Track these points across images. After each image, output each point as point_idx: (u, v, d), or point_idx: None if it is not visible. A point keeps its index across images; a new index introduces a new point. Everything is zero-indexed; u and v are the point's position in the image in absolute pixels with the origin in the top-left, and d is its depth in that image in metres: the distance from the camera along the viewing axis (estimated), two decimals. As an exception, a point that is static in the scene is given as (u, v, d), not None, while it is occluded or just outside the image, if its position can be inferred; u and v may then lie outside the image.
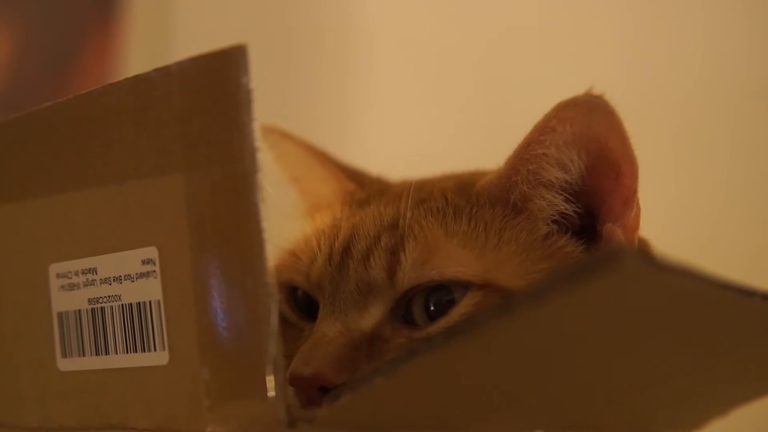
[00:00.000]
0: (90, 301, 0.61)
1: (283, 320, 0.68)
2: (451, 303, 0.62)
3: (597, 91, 0.60)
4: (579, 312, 0.48)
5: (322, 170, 0.75)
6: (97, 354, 0.61)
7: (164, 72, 0.57)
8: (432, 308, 0.62)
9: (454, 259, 0.62)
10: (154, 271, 0.58)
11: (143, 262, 0.58)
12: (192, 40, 1.53)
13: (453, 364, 0.51)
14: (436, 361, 0.49)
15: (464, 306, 0.62)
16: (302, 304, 0.69)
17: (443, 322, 0.62)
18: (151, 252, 0.58)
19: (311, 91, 1.52)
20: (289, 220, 0.77)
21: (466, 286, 0.62)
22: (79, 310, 0.61)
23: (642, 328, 0.52)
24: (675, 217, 1.16)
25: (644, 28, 1.32)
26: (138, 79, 0.58)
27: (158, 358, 0.58)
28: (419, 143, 1.39)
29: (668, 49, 1.31)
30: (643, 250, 0.46)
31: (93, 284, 0.61)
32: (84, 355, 0.61)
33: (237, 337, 0.55)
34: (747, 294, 0.51)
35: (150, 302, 0.58)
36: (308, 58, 1.52)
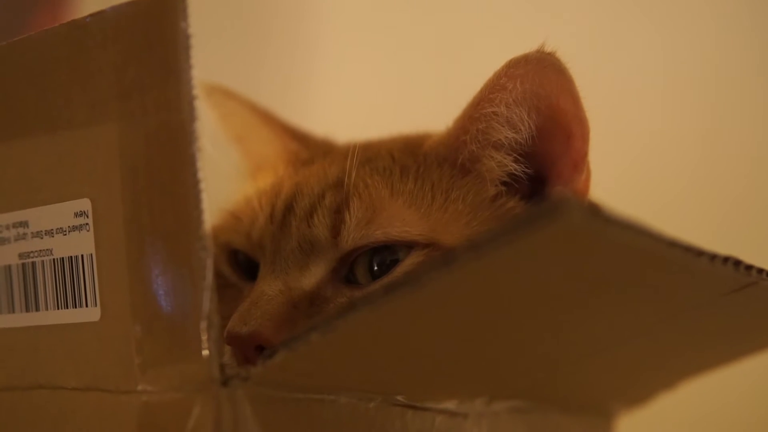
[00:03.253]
0: (21, 255, 0.59)
1: (223, 280, 0.67)
2: (395, 263, 0.61)
3: (549, 48, 0.58)
4: (521, 265, 0.46)
5: (266, 130, 0.73)
6: (27, 311, 0.59)
7: (100, 17, 0.55)
8: (376, 268, 0.61)
9: (399, 218, 0.61)
10: (87, 224, 0.56)
11: (76, 215, 0.56)
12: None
13: (392, 320, 0.49)
14: (375, 316, 0.48)
15: (407, 265, 0.60)
16: (243, 266, 0.67)
17: (386, 281, 0.60)
18: (84, 204, 0.56)
19: (261, 48, 1.49)
20: (231, 181, 0.75)
21: (410, 245, 0.60)
22: (9, 266, 0.59)
23: (586, 285, 0.51)
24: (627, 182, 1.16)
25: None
26: (73, 24, 0.56)
27: (89, 314, 0.56)
28: (370, 103, 1.38)
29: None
30: (585, 202, 0.45)
31: (24, 238, 0.58)
32: (14, 312, 0.59)
33: (170, 293, 0.53)
34: (695, 254, 0.49)
35: (82, 256, 0.56)
36: (258, 13, 1.49)
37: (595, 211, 0.43)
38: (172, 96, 0.52)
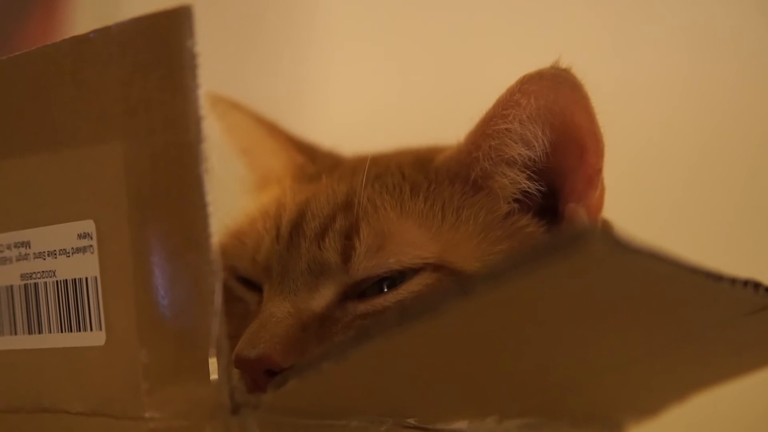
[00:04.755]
0: (23, 276, 0.57)
1: (229, 294, 0.65)
2: (404, 277, 0.60)
3: (564, 64, 0.57)
4: (539, 293, 0.45)
5: (272, 143, 0.72)
6: (30, 333, 0.57)
7: (104, 33, 0.54)
8: (386, 288, 0.60)
9: (410, 242, 0.60)
10: (91, 246, 0.54)
11: (79, 236, 0.55)
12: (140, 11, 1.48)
13: (405, 347, 0.48)
14: (388, 344, 0.47)
15: (415, 284, 0.59)
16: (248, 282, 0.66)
17: (391, 297, 0.59)
18: (88, 225, 0.54)
19: (264, 58, 1.48)
20: (236, 195, 0.74)
21: (421, 267, 0.59)
22: (11, 286, 0.58)
23: (604, 311, 0.50)
24: (640, 198, 1.15)
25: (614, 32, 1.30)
26: (77, 39, 0.55)
27: (95, 338, 0.54)
28: (376, 114, 1.37)
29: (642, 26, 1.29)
30: (609, 231, 0.44)
31: (26, 258, 0.57)
32: (16, 334, 0.58)
33: (178, 317, 0.52)
34: (715, 278, 0.49)
35: (86, 279, 0.55)
36: (262, 21, 1.48)
37: (615, 241, 0.42)
38: (178, 115, 0.51)
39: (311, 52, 1.45)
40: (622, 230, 0.65)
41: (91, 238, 0.54)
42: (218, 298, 0.50)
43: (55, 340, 0.56)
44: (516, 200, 0.63)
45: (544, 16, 1.33)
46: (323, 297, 0.60)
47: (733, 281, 0.50)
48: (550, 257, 0.41)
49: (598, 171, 0.61)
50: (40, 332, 0.57)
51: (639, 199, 1.17)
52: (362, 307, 0.60)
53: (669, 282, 0.48)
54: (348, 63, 1.44)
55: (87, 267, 0.55)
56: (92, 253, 0.54)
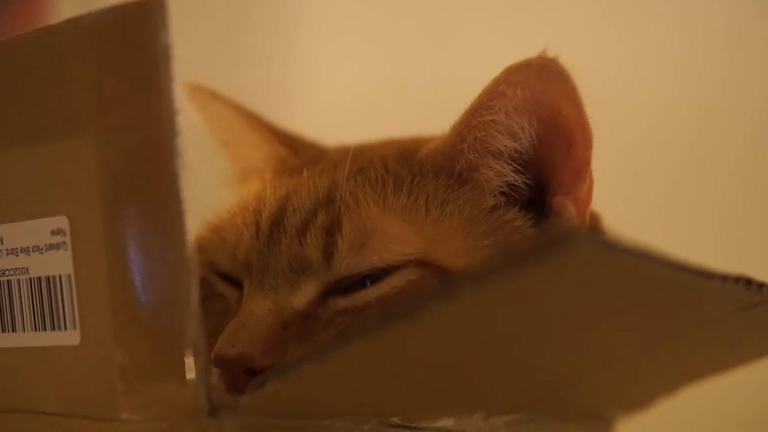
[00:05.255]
0: (-5, 273, 0.56)
1: (209, 290, 0.64)
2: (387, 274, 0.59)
3: (551, 53, 0.55)
4: (523, 296, 0.44)
5: (253, 135, 0.70)
6: (3, 331, 0.56)
7: (76, 24, 0.52)
8: (368, 284, 0.58)
9: (393, 238, 0.58)
10: (65, 243, 0.53)
11: (53, 233, 0.53)
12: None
13: (388, 348, 0.47)
14: (370, 346, 0.45)
15: (398, 279, 0.58)
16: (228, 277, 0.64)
17: (373, 292, 0.58)
18: (62, 221, 0.53)
19: (251, 47, 1.46)
20: (216, 188, 0.72)
21: (405, 263, 0.58)
22: (-17, 284, 0.56)
23: (592, 309, 0.49)
24: (630, 189, 1.14)
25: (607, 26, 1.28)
26: (48, 31, 0.53)
27: (69, 337, 0.53)
28: (364, 102, 1.35)
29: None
30: (597, 231, 0.42)
31: (-1, 255, 0.56)
32: (-12, 332, 0.56)
33: (154, 316, 0.50)
34: (705, 276, 0.47)
35: (60, 276, 0.53)
36: (249, 10, 1.46)
37: (603, 242, 0.41)
38: (152, 110, 0.49)
39: (298, 41, 1.43)
40: (609, 230, 0.64)
41: (65, 235, 0.53)
42: (195, 298, 0.48)
43: (29, 339, 0.55)
44: (502, 193, 0.61)
45: (534, 5, 1.32)
46: (304, 294, 0.59)
47: (724, 278, 0.49)
48: (534, 259, 0.40)
49: (587, 163, 0.59)
50: (13, 330, 0.55)
51: (629, 191, 1.17)
52: (343, 302, 0.58)
53: (658, 281, 0.46)
54: (335, 52, 1.43)
55: (61, 264, 0.53)
56: (66, 250, 0.53)
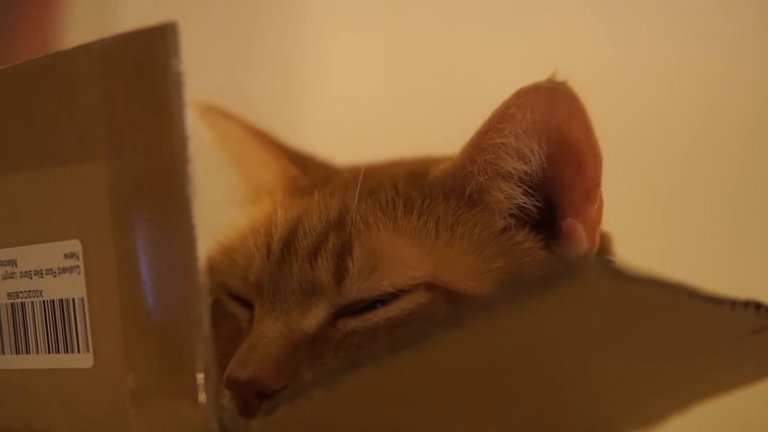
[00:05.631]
0: (9, 295, 0.56)
1: (221, 310, 0.64)
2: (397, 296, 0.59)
3: (560, 77, 0.55)
4: (533, 323, 0.44)
5: (264, 153, 0.70)
6: (17, 352, 0.56)
7: (87, 49, 0.52)
8: (378, 305, 0.59)
9: (403, 262, 0.58)
10: (78, 266, 0.53)
11: (66, 256, 0.54)
12: (135, 8, 1.47)
13: (397, 374, 0.47)
14: (379, 372, 0.46)
15: (407, 301, 0.58)
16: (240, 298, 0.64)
17: (382, 313, 0.58)
18: (74, 245, 0.53)
19: (260, 54, 1.46)
20: (228, 206, 0.72)
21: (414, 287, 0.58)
22: (-2, 305, 0.57)
23: (602, 334, 0.49)
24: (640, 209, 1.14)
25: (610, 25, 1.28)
26: (59, 55, 0.54)
27: (82, 360, 0.54)
28: (374, 108, 1.35)
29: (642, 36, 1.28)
30: (605, 257, 0.43)
31: (12, 277, 0.56)
32: (3, 353, 0.57)
33: (165, 340, 0.51)
34: (714, 302, 0.47)
35: (73, 300, 0.54)
36: (258, 16, 1.47)
37: (612, 270, 0.41)
38: (163, 135, 0.49)
39: (307, 47, 1.43)
40: (618, 257, 0.64)
41: (78, 258, 0.53)
42: (206, 322, 0.49)
43: (42, 360, 0.55)
44: (512, 215, 0.61)
45: (541, 8, 1.32)
46: (315, 317, 0.59)
47: (733, 303, 0.49)
48: (542, 288, 0.40)
49: (597, 185, 0.59)
50: (27, 352, 0.56)
51: (629, 190, 1.16)
52: (353, 323, 0.59)
53: (667, 306, 0.46)
54: (344, 53, 1.43)
55: (74, 287, 0.54)
56: (79, 273, 0.53)
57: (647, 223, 1.20)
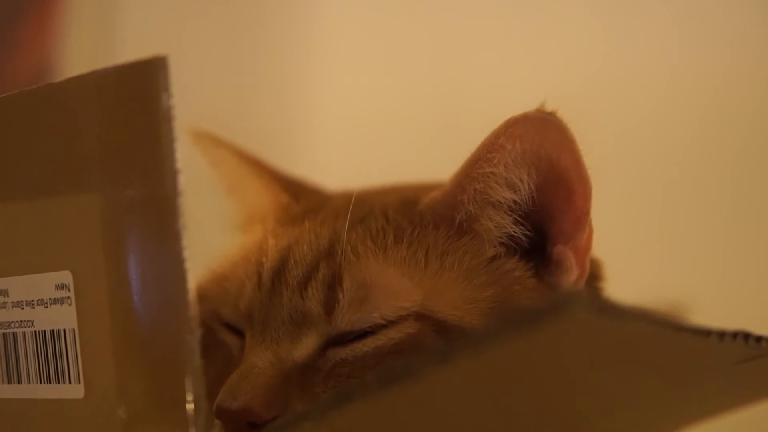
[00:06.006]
0: (1, 325, 0.56)
1: (212, 338, 0.64)
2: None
3: (549, 107, 0.56)
4: (522, 358, 0.44)
5: (255, 181, 0.71)
6: (9, 382, 0.57)
7: (81, 81, 0.53)
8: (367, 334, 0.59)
9: (393, 292, 0.59)
10: (69, 298, 0.53)
11: (57, 287, 0.54)
12: (137, 16, 1.47)
13: (388, 407, 0.47)
14: (370, 406, 0.46)
15: (396, 331, 0.58)
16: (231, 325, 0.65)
17: (371, 342, 0.58)
18: (66, 276, 0.54)
19: (256, 52, 1.46)
20: (220, 232, 0.73)
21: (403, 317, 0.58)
22: (-11, 334, 0.57)
23: (593, 365, 0.49)
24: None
25: (610, 32, 1.29)
26: (53, 87, 0.54)
27: (73, 390, 0.54)
28: (370, 110, 1.36)
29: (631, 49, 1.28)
30: (593, 295, 0.43)
31: (4, 307, 0.57)
32: (-5, 383, 0.57)
33: (157, 372, 0.51)
34: (703, 334, 0.48)
35: (64, 330, 0.54)
36: (260, 23, 1.47)
37: (601, 307, 0.41)
38: (154, 169, 0.50)
39: (308, 48, 1.43)
40: (606, 294, 0.64)
41: (69, 290, 0.53)
42: (197, 356, 0.49)
43: (34, 390, 0.55)
44: (501, 243, 0.61)
45: (542, 12, 1.32)
46: (305, 347, 0.59)
47: (721, 335, 0.49)
48: (530, 325, 0.40)
49: (586, 213, 0.60)
50: (19, 382, 0.56)
51: (630, 189, 1.17)
52: (342, 352, 0.59)
53: (657, 339, 0.47)
54: (345, 57, 1.43)
55: (65, 318, 0.54)
56: (70, 304, 0.53)
57: (647, 221, 1.21)
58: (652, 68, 1.26)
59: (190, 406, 0.49)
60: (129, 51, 1.44)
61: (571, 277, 0.61)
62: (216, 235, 0.72)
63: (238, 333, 0.63)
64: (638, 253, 1.11)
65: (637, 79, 1.25)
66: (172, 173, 0.49)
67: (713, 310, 0.99)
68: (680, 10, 1.26)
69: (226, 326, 0.64)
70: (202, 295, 0.64)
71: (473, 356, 0.42)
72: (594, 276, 0.64)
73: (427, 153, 1.27)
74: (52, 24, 1.49)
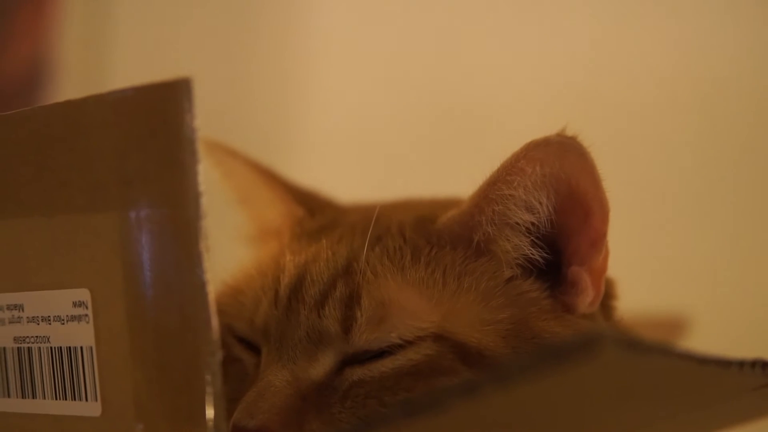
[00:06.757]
0: (16, 339, 0.56)
1: (227, 353, 0.64)
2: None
3: (570, 132, 0.56)
4: (547, 392, 0.44)
5: (269, 192, 0.70)
6: (23, 396, 0.56)
7: (99, 100, 0.52)
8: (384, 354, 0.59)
9: (411, 312, 0.59)
10: (86, 315, 0.53)
11: (74, 305, 0.54)
12: (132, 7, 1.46)
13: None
14: (392, 434, 0.46)
15: (414, 352, 0.58)
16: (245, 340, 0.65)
17: (389, 362, 0.58)
18: (83, 294, 0.53)
19: (254, 47, 1.46)
20: (236, 244, 0.72)
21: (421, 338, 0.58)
22: (4, 348, 0.57)
23: (614, 397, 0.50)
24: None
25: (609, 30, 1.28)
26: (70, 104, 0.54)
27: (90, 408, 0.54)
28: (369, 103, 1.36)
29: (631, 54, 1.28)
30: (620, 334, 0.43)
31: (19, 321, 0.56)
32: (9, 396, 0.57)
33: (176, 394, 0.51)
34: (724, 365, 0.48)
35: (81, 348, 0.54)
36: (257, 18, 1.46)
37: (627, 344, 0.41)
38: (177, 191, 0.50)
39: (307, 40, 1.43)
40: (632, 331, 0.64)
41: (87, 308, 0.53)
42: (218, 380, 0.49)
43: (49, 406, 0.55)
44: (518, 264, 0.62)
45: (541, 9, 1.32)
46: (322, 366, 0.59)
47: (741, 364, 0.49)
48: (561, 364, 0.40)
49: (603, 235, 0.60)
50: (34, 397, 0.56)
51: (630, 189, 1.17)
52: (360, 372, 0.59)
53: (679, 371, 0.47)
54: (344, 48, 1.43)
55: (82, 336, 0.54)
56: (87, 322, 0.53)
57: (646, 220, 1.21)
58: (651, 71, 1.26)
59: (209, 427, 0.49)
60: (124, 42, 1.44)
61: (587, 298, 0.61)
62: (229, 246, 0.71)
63: (253, 348, 0.63)
64: (638, 262, 1.12)
65: (635, 83, 1.25)
66: (196, 195, 0.49)
67: (713, 320, 1.00)
68: (680, 9, 1.27)
69: (240, 341, 0.64)
70: (218, 309, 0.63)
71: (501, 390, 0.42)
72: (607, 294, 0.64)
73: (425, 152, 1.28)
74: (48, 14, 1.48)
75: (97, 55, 1.41)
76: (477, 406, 0.44)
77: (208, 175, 0.63)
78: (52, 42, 1.43)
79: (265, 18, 1.46)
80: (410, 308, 0.59)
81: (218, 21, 1.47)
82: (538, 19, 1.31)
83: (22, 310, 0.56)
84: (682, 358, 0.44)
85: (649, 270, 1.12)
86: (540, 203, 0.59)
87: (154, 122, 0.50)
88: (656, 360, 0.43)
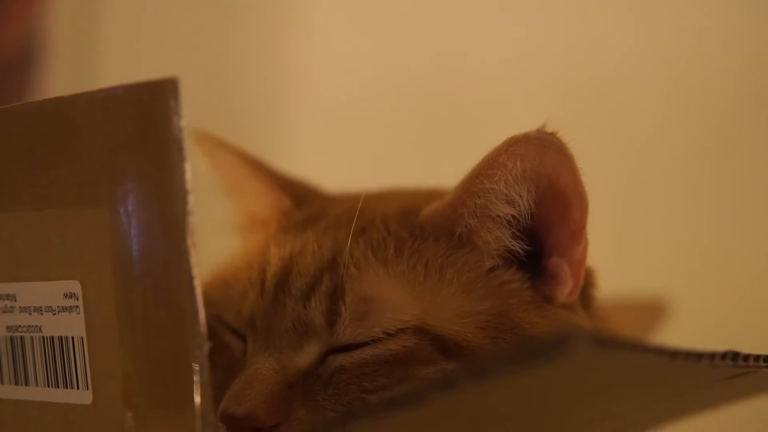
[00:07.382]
0: (8, 328, 0.58)
1: (215, 340, 0.65)
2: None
3: (550, 127, 0.57)
4: (522, 387, 0.46)
5: (257, 183, 0.71)
6: (16, 383, 0.58)
7: (88, 98, 0.53)
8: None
9: (393, 306, 0.60)
10: (77, 307, 0.55)
11: (65, 296, 0.55)
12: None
13: (391, 427, 0.49)
14: (374, 427, 0.48)
15: (394, 343, 0.60)
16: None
17: (370, 350, 0.60)
18: (74, 286, 0.55)
19: (239, 35, 1.46)
20: (223, 234, 0.74)
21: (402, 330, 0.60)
22: (-3, 336, 0.58)
23: (588, 391, 0.51)
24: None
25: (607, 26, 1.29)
26: (60, 101, 0.55)
27: (81, 396, 0.55)
28: (356, 91, 1.36)
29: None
30: (591, 333, 0.45)
31: (12, 311, 0.58)
32: (2, 383, 0.58)
33: (164, 384, 0.52)
34: (695, 357, 0.49)
35: (72, 338, 0.55)
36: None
37: (600, 342, 0.43)
38: (165, 188, 0.51)
39: (292, 29, 1.43)
40: (606, 324, 0.66)
41: (77, 299, 0.54)
42: (205, 372, 0.50)
43: (41, 393, 0.57)
44: (499, 256, 0.63)
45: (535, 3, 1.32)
46: (308, 355, 0.60)
47: (712, 357, 0.51)
48: (535, 360, 0.42)
49: (582, 227, 0.61)
50: (26, 384, 0.57)
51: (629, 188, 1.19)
52: (341, 359, 0.60)
53: (652, 366, 0.49)
54: (330, 40, 1.43)
55: (73, 326, 0.55)
56: (78, 313, 0.55)
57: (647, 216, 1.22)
58: (637, 66, 1.27)
59: (198, 420, 0.51)
60: (114, 24, 1.44)
61: (566, 288, 0.62)
62: (217, 236, 0.73)
63: (240, 335, 0.64)
64: (618, 248, 1.13)
65: (620, 77, 1.26)
66: (183, 193, 0.50)
67: (693, 305, 1.01)
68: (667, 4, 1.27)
69: (228, 328, 0.65)
70: (205, 299, 0.65)
71: (477, 384, 0.44)
72: (587, 284, 0.65)
73: (412, 144, 1.29)
74: (34, 16, 1.47)
75: (87, 36, 1.41)
76: (455, 400, 0.45)
77: (197, 166, 0.65)
78: (42, 23, 1.43)
79: (254, 11, 1.46)
80: (392, 301, 0.60)
81: (209, 6, 1.47)
82: (526, 12, 1.31)
83: (15, 300, 0.57)
84: (654, 353, 0.46)
85: (628, 259, 1.14)
86: (520, 197, 0.60)
87: (143, 121, 0.51)
88: (628, 356, 0.45)
